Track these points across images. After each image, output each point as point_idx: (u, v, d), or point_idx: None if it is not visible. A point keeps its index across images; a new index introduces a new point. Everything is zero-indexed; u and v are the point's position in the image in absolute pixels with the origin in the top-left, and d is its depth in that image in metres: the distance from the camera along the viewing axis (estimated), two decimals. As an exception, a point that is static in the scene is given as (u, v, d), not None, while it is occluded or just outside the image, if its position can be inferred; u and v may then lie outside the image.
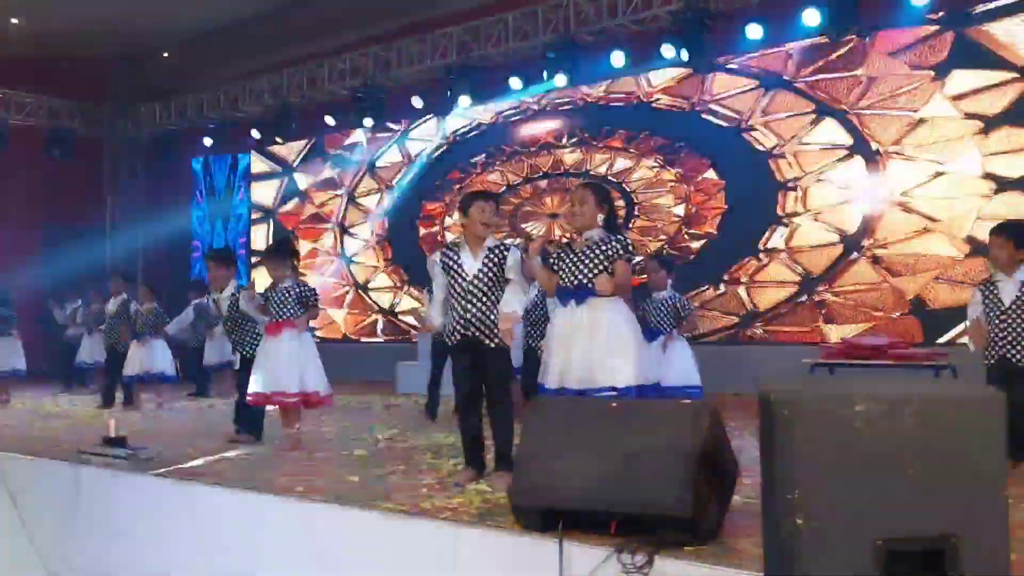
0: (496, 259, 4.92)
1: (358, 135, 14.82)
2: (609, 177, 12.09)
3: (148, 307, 10.02)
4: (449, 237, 13.20)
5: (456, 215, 5.17)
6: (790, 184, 10.61)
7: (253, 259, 16.05)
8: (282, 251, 6.60)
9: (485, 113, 13.44)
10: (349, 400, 10.02)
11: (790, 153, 10.65)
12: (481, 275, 4.91)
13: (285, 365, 6.27)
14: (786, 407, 2.37)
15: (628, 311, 4.69)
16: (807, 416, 2.36)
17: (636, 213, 11.90)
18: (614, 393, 4.42)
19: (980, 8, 9.42)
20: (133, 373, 9.80)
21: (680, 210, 11.56)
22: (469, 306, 4.89)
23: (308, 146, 15.52)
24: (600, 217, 4.69)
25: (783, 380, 2.92)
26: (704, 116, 11.33)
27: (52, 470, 5.89)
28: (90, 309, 11.81)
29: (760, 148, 10.86)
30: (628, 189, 12.00)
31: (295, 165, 15.75)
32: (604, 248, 4.62)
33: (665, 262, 7.92)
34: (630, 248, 4.64)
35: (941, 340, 9.09)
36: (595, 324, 4.57)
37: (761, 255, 10.74)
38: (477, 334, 4.88)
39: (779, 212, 10.66)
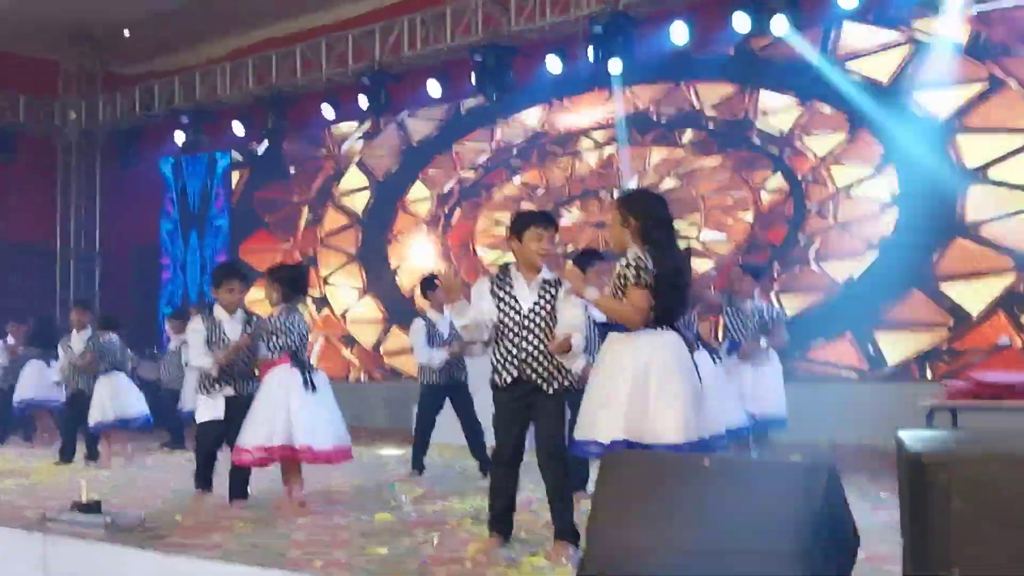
0: (553, 294, 5.04)
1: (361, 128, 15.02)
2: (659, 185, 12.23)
3: (107, 337, 10.13)
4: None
5: (507, 237, 5.21)
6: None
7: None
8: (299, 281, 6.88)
9: (524, 110, 13.62)
10: (361, 453, 10.08)
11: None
12: (538, 308, 5.03)
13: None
14: (942, 469, 2.41)
15: (676, 343, 4.68)
16: (967, 481, 2.40)
17: (702, 220, 12.01)
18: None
19: None
20: (100, 421, 9.87)
21: (749, 216, 11.66)
22: (525, 344, 4.98)
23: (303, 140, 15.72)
24: (628, 233, 4.72)
25: (922, 433, 2.96)
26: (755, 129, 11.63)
27: (14, 540, 5.97)
28: (11, 347, 12.17)
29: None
30: (695, 194, 12.13)
31: (287, 157, 15.95)
32: (618, 271, 4.72)
33: (750, 268, 8.01)
34: (642, 267, 4.59)
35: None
36: (638, 364, 4.60)
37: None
38: (533, 376, 4.97)
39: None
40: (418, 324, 8.56)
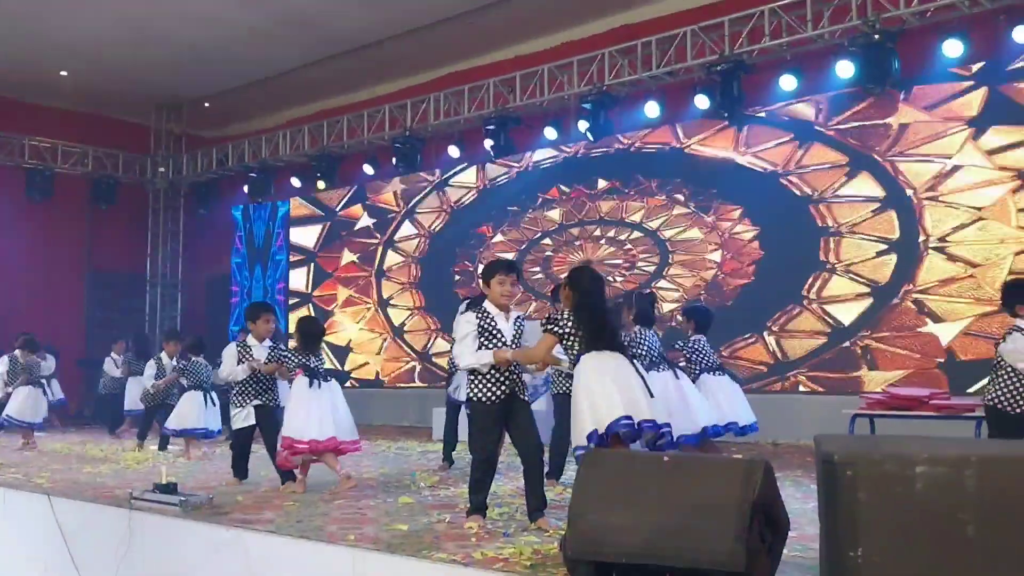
0: (520, 326, 5.27)
1: (395, 184, 15.05)
2: (644, 225, 12.21)
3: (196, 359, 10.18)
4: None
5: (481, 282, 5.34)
6: (832, 230, 10.65)
7: (291, 300, 16.27)
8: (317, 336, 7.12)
9: (521, 162, 13.63)
10: (389, 446, 10.10)
11: (823, 205, 10.72)
12: (515, 337, 5.22)
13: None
14: (849, 468, 2.42)
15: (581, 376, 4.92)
16: (870, 477, 2.41)
17: (670, 261, 11.99)
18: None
19: (1015, 65, 9.49)
20: (176, 428, 9.86)
21: (716, 256, 11.63)
22: (513, 369, 5.15)
23: (349, 192, 15.73)
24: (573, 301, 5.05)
25: (836, 437, 2.97)
26: (740, 164, 11.44)
27: (105, 515, 5.99)
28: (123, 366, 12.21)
29: (798, 194, 10.93)
30: (663, 238, 12.10)
31: (337, 210, 15.96)
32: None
33: (688, 311, 8.00)
34: (550, 319, 5.08)
35: (970, 390, 9.09)
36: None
37: (805, 302, 10.76)
38: (517, 390, 5.18)
39: (822, 259, 10.70)
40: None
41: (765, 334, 10.98)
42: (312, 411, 6.64)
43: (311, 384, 6.73)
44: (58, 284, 15.98)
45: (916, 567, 2.40)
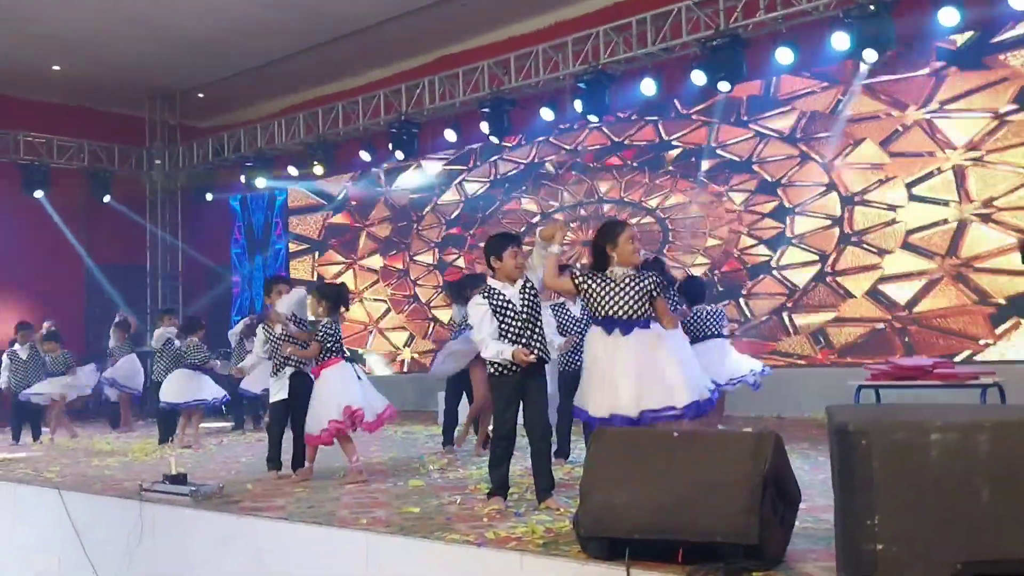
0: (531, 290, 5.17)
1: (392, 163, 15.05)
2: (643, 204, 12.23)
3: (192, 340, 10.20)
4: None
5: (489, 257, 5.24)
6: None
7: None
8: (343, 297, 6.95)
9: (520, 148, 13.65)
10: (395, 430, 10.13)
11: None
12: (526, 304, 5.13)
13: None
14: (864, 437, 2.43)
15: (679, 334, 4.87)
16: (884, 445, 2.42)
17: (671, 239, 12.00)
18: (675, 412, 4.70)
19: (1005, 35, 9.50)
20: (173, 401, 9.91)
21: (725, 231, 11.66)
22: (527, 330, 5.09)
23: (352, 178, 15.70)
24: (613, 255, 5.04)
25: (848, 407, 2.97)
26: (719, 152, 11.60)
27: (116, 507, 6.01)
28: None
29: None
30: (662, 216, 12.12)
31: (339, 197, 15.93)
32: (644, 283, 4.99)
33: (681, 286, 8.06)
34: (662, 282, 5.08)
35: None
36: (644, 351, 4.90)
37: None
38: (539, 351, 5.10)
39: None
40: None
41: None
42: (350, 384, 6.63)
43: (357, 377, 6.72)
44: (57, 279, 15.94)
45: (932, 533, 2.42)
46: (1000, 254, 9.47)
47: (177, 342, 10.30)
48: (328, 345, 6.60)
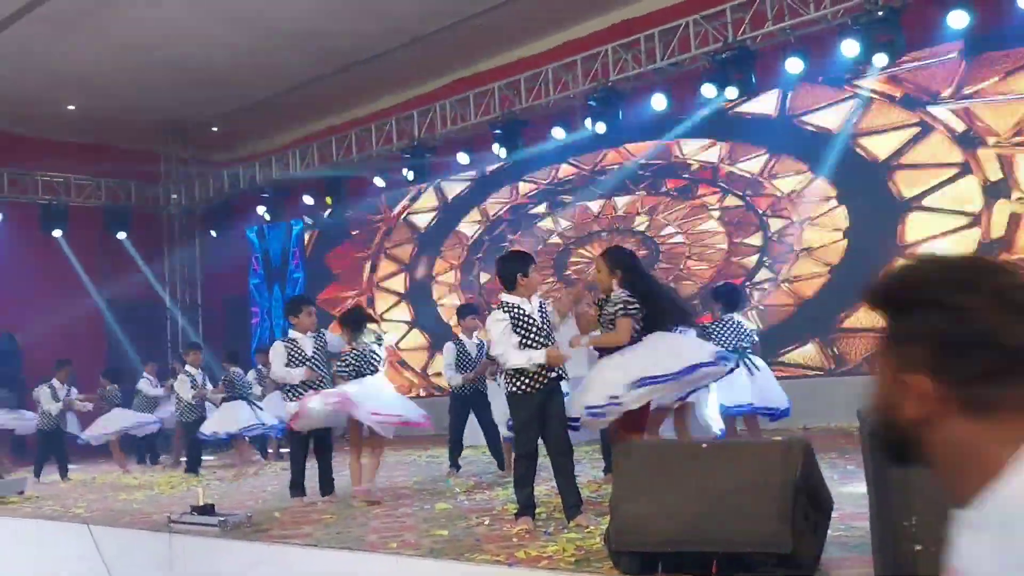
0: (544, 309, 5.32)
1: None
2: (647, 232, 12.24)
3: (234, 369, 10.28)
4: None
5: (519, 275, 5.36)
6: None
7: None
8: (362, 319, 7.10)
9: (539, 171, 13.76)
10: (420, 455, 10.11)
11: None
12: (542, 317, 5.26)
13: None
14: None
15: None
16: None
17: (688, 254, 12.00)
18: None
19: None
20: (224, 432, 9.92)
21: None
22: (547, 342, 5.20)
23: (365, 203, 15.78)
24: (615, 280, 5.31)
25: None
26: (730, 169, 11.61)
27: (145, 540, 6.02)
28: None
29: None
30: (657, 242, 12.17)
31: (349, 222, 16.02)
32: (610, 307, 5.26)
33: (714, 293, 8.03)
34: (629, 305, 5.20)
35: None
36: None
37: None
38: (562, 376, 5.22)
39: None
40: (449, 347, 8.33)
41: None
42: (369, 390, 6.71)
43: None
44: (78, 316, 16.02)
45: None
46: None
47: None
48: (351, 370, 6.71)
